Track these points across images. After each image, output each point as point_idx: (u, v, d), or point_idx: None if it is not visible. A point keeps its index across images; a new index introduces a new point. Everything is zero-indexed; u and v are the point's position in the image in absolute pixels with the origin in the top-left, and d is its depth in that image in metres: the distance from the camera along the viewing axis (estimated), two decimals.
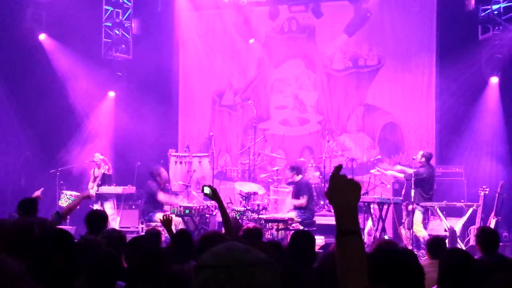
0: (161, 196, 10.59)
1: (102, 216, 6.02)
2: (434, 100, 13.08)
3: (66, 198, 11.86)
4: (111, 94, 14.24)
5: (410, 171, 10.72)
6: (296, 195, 10.45)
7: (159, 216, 10.47)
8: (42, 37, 13.62)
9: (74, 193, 11.95)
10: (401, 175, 11.01)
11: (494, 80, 12.13)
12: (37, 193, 7.97)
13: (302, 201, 10.28)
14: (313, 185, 11.62)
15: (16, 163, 13.68)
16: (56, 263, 3.40)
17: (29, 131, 13.56)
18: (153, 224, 10.26)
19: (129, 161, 13.33)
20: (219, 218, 10.46)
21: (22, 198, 6.82)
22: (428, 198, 10.56)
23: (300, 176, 10.59)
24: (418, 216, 10.40)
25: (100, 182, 11.88)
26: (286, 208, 10.58)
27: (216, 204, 10.66)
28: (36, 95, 13.32)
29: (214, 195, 4.87)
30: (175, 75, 15.06)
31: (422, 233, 10.25)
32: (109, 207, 11.55)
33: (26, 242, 3.80)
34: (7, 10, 12.92)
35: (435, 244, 5.64)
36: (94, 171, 12.09)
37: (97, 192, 11.86)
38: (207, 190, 4.87)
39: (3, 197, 12.90)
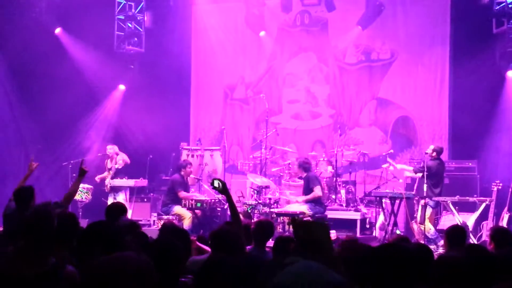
0: (182, 194, 10.66)
1: (121, 208, 6.08)
2: (447, 94, 12.99)
3: (78, 191, 11.93)
4: (121, 87, 14.30)
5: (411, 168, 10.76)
6: (306, 189, 10.41)
7: (177, 208, 10.54)
8: (58, 30, 13.71)
9: (86, 185, 12.02)
10: (411, 168, 10.90)
11: (511, 74, 12.01)
12: (31, 164, 7.25)
13: (315, 191, 10.19)
14: (324, 179, 11.60)
15: (28, 155, 13.75)
16: None
17: (42, 124, 13.63)
18: (165, 217, 10.31)
19: (141, 154, 13.37)
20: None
21: (36, 191, 6.80)
22: (437, 192, 10.48)
23: (309, 172, 10.55)
24: (428, 211, 10.34)
25: (113, 175, 11.96)
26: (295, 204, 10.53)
27: None
28: (47, 88, 13.36)
29: (223, 189, 4.85)
30: (187, 68, 15.06)
31: (431, 229, 10.19)
32: (121, 199, 11.63)
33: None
34: (22, 2, 13.00)
35: (454, 233, 5.41)
36: (107, 162, 12.19)
37: (110, 185, 11.94)
38: (216, 183, 4.86)
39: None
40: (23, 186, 6.50)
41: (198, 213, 10.61)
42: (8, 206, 6.43)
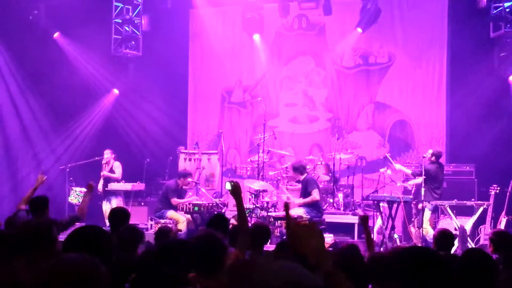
0: (175, 201, 10.69)
1: (124, 213, 6.10)
2: (445, 98, 12.99)
3: (75, 195, 11.92)
4: (115, 91, 14.29)
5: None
6: (304, 192, 10.37)
7: (170, 213, 10.52)
8: (56, 35, 13.72)
9: (83, 189, 11.99)
10: (409, 171, 10.95)
11: None
12: (41, 177, 7.40)
13: (314, 195, 10.15)
14: (321, 184, 11.57)
15: (25, 159, 13.74)
16: None
17: (40, 126, 13.64)
18: (162, 221, 10.27)
19: (138, 158, 13.36)
20: (228, 215, 10.44)
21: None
22: (438, 195, 10.50)
23: (305, 174, 10.50)
24: (427, 214, 10.34)
25: (105, 181, 11.95)
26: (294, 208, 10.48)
27: (226, 202, 10.65)
28: (46, 91, 13.37)
29: (233, 191, 4.77)
30: (184, 72, 15.04)
31: (429, 232, 10.19)
32: (116, 204, 11.60)
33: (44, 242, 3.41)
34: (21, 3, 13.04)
35: (442, 237, 5.52)
36: (104, 166, 12.17)
37: (106, 189, 11.90)
38: (228, 186, 4.85)
39: (14, 194, 12.97)
40: (38, 196, 6.55)
41: (196, 217, 10.60)
42: (16, 216, 6.35)
